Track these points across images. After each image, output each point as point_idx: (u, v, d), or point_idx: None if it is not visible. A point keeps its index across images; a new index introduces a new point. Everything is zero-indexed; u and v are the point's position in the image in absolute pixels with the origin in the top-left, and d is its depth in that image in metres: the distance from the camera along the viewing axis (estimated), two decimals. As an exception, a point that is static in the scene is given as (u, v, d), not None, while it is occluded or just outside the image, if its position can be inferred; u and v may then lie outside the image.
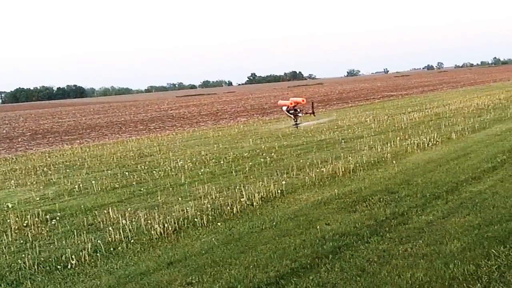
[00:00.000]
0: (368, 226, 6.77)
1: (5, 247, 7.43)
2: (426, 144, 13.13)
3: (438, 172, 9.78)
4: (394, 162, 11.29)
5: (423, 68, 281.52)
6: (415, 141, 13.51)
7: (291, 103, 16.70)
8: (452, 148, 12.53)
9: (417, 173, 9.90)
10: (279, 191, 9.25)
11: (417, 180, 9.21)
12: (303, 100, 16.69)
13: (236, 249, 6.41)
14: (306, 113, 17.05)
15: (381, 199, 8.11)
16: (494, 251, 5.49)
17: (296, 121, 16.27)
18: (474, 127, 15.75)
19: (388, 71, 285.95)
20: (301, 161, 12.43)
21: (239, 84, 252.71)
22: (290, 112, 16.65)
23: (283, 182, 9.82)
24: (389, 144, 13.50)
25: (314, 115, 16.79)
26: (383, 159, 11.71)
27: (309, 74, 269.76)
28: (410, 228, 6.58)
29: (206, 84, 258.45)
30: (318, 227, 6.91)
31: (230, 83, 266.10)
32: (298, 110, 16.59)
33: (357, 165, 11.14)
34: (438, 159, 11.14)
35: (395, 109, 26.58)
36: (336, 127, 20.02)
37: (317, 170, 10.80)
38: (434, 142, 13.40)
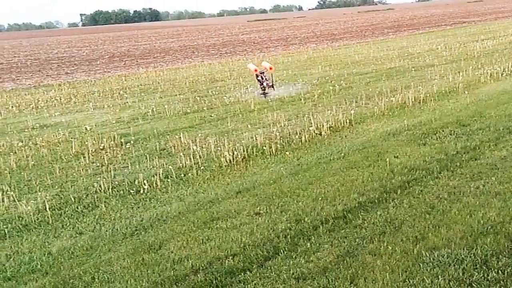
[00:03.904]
0: (438, 161, 6.60)
1: (82, 170, 7.77)
2: (500, 74, 12.57)
3: (513, 105, 9.37)
4: (466, 92, 10.91)
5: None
6: (488, 70, 12.95)
7: (255, 70, 14.05)
8: (529, 79, 11.92)
9: (490, 105, 9.53)
10: (347, 120, 9.18)
11: (490, 113, 8.88)
12: (270, 68, 13.79)
13: (304, 180, 6.40)
14: (267, 86, 13.79)
15: (452, 132, 7.89)
16: None
17: (264, 90, 13.57)
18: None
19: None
20: (370, 89, 12.21)
21: (309, 9, 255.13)
22: (258, 79, 13.81)
23: (352, 112, 9.72)
24: (461, 74, 13.01)
25: (274, 89, 13.89)
26: (455, 89, 11.33)
27: (380, 0, 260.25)
28: (482, 164, 6.36)
29: (276, 9, 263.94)
30: (386, 159, 6.80)
31: (300, 8, 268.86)
32: (265, 78, 14.07)
33: (428, 95, 10.85)
34: (513, 91, 10.65)
35: (468, 37, 25.33)
36: (406, 54, 19.40)
37: (386, 100, 10.61)
38: (509, 72, 12.81)
